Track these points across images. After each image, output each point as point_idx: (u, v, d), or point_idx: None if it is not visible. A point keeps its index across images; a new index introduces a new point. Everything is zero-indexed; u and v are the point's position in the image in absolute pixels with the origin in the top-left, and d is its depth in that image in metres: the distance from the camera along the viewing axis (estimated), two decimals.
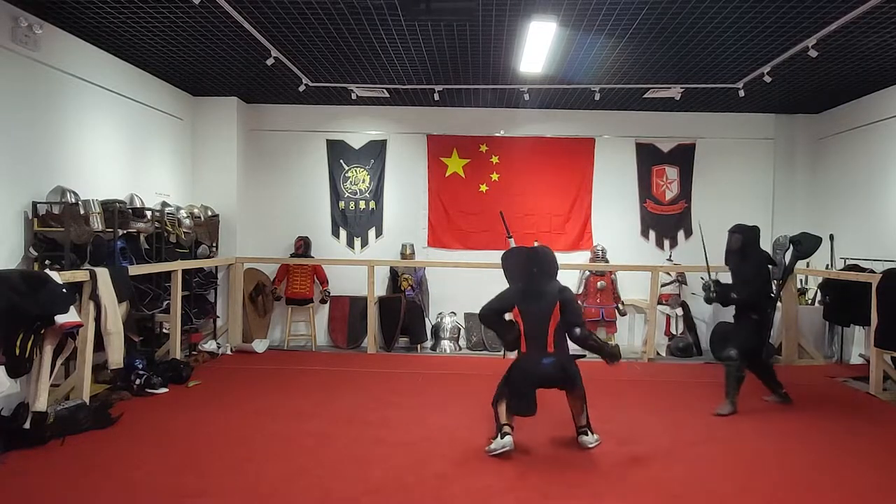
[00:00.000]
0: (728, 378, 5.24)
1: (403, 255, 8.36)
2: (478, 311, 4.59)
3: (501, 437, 4.15)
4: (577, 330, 4.33)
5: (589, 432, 4.37)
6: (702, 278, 5.71)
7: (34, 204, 5.11)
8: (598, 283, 8.24)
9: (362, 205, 8.70)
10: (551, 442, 4.49)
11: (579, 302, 8.35)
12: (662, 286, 8.13)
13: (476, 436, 4.57)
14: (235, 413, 5.10)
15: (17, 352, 4.12)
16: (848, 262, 7.31)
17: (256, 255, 8.42)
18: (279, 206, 8.68)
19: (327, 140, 8.67)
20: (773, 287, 5.93)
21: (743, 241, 5.41)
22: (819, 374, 6.81)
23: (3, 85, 4.86)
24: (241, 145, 8.30)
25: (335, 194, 8.69)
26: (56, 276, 4.42)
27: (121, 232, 5.75)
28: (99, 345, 5.08)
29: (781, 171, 8.63)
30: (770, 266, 5.63)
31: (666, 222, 8.67)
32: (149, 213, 6.26)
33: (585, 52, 5.98)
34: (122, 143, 6.50)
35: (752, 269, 5.38)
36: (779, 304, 7.01)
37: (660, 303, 8.00)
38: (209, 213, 7.78)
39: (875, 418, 5.26)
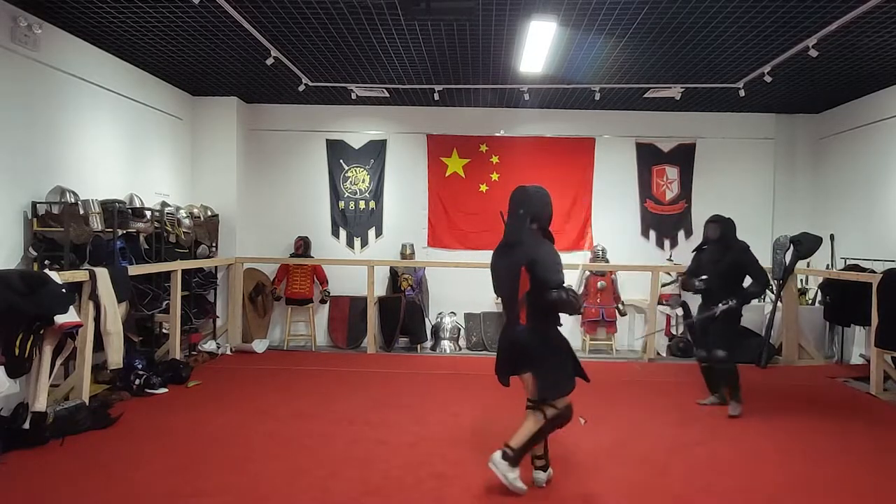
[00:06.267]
0: (729, 378, 5.25)
1: (403, 255, 8.35)
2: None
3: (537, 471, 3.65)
4: (553, 293, 3.41)
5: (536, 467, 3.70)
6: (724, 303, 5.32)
7: (34, 204, 5.11)
8: (599, 283, 8.23)
9: (362, 205, 8.70)
10: (551, 441, 4.48)
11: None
12: (662, 286, 8.13)
13: (476, 436, 4.57)
14: (235, 413, 5.10)
15: (17, 352, 4.12)
16: (848, 262, 7.31)
17: (256, 255, 8.42)
18: (279, 206, 8.68)
19: (327, 140, 8.67)
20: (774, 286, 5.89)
21: (721, 230, 5.37)
22: (819, 375, 6.81)
23: (2, 85, 4.85)
24: (241, 145, 8.29)
25: (335, 194, 8.68)
26: (55, 276, 4.42)
27: (120, 232, 5.75)
28: (98, 345, 5.08)
29: (782, 171, 8.63)
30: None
31: (666, 222, 8.67)
32: (148, 213, 6.25)
33: (585, 52, 5.97)
34: (121, 143, 6.49)
35: (752, 258, 5.35)
36: (779, 304, 7.03)
37: (660, 303, 8.00)
38: (209, 213, 7.78)
39: (875, 419, 5.26)
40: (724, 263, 5.28)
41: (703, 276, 5.37)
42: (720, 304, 5.23)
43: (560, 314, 3.62)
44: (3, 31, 4.80)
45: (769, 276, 6.10)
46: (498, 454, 3.52)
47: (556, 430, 3.67)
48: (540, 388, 3.56)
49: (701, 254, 5.57)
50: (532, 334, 3.56)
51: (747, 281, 5.35)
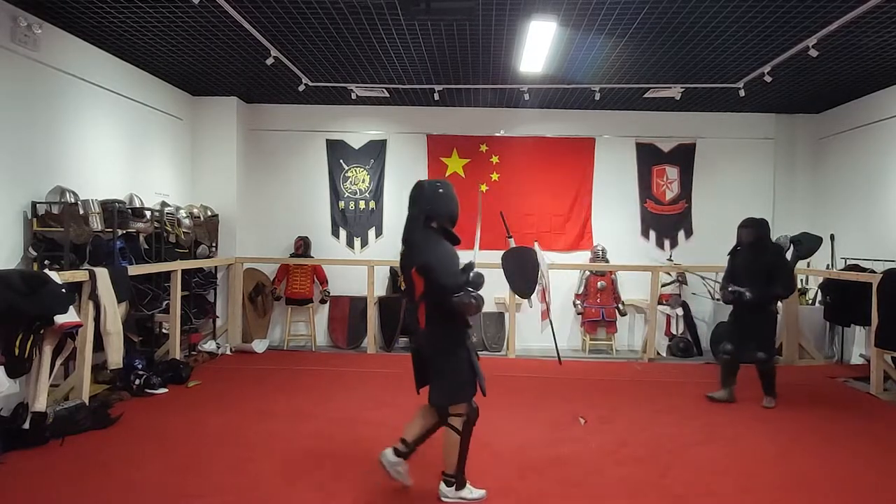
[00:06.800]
0: (769, 376, 5.55)
1: None
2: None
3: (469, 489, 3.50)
4: (454, 298, 3.23)
5: (452, 482, 3.45)
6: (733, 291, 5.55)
7: (34, 204, 5.11)
8: (599, 283, 8.23)
9: (362, 205, 8.70)
10: (551, 441, 4.49)
11: (578, 303, 8.35)
12: (663, 286, 8.13)
13: (476, 436, 4.56)
14: (235, 413, 5.10)
15: (17, 352, 4.12)
16: (848, 262, 7.31)
17: (256, 255, 8.42)
18: (279, 206, 8.67)
19: (327, 140, 8.67)
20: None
21: (756, 234, 5.54)
22: (819, 375, 6.81)
23: (3, 85, 4.85)
24: (241, 145, 8.29)
25: (335, 194, 8.68)
26: (55, 276, 4.42)
27: (120, 232, 5.75)
28: (98, 345, 5.08)
29: (782, 171, 8.63)
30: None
31: (666, 222, 8.66)
32: (148, 213, 6.25)
33: (585, 52, 5.97)
34: (121, 143, 6.49)
35: (783, 262, 5.68)
36: (779, 304, 7.03)
37: (660, 303, 8.00)
38: (209, 213, 7.78)
39: (875, 419, 5.26)
40: (758, 263, 5.45)
41: (731, 287, 5.59)
42: (738, 287, 5.45)
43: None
44: (3, 31, 4.80)
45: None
46: (442, 486, 3.49)
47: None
48: (434, 394, 3.44)
49: (735, 258, 5.70)
50: (431, 338, 3.41)
51: None
